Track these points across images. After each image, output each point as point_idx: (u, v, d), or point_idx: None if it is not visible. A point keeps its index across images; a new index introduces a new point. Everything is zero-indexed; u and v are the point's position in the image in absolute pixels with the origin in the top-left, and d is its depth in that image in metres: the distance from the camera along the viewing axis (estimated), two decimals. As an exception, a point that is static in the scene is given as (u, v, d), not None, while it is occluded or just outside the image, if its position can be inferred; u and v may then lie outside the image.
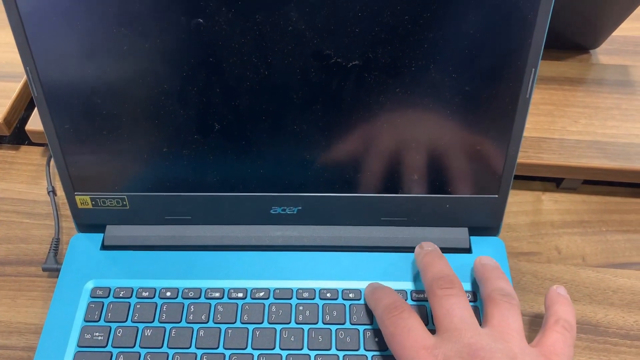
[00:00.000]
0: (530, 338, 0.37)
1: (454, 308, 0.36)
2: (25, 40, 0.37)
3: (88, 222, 0.45)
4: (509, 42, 0.36)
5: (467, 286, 0.42)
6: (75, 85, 0.38)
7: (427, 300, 0.40)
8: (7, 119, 0.52)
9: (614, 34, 0.57)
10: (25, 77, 0.54)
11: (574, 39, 0.58)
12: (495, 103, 0.39)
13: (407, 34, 0.36)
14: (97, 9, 0.36)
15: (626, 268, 0.46)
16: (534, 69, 0.37)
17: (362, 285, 0.42)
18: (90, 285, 0.42)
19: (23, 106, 0.55)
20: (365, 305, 0.41)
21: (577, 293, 0.45)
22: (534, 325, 0.43)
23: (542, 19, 0.35)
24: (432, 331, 0.36)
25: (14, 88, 0.54)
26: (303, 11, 0.35)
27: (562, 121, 0.51)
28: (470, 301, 0.41)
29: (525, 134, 0.47)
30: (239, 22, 0.36)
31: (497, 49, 0.37)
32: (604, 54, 0.59)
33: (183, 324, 0.40)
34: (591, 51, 0.59)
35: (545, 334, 0.37)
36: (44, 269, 0.45)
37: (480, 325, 0.36)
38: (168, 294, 0.42)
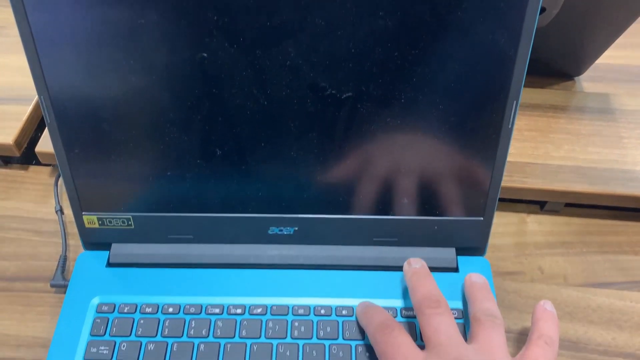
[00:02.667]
0: (515, 354, 0.39)
1: (441, 326, 0.38)
2: (40, 72, 0.39)
3: (94, 241, 0.47)
4: (491, 77, 0.39)
5: (454, 304, 0.44)
6: (86, 113, 0.41)
7: (415, 317, 0.43)
8: (18, 141, 0.54)
9: (598, 61, 0.60)
10: (35, 99, 0.57)
11: (559, 67, 0.61)
12: (479, 132, 0.41)
13: (397, 69, 0.39)
14: (108, 43, 0.38)
15: (605, 287, 0.49)
16: (515, 102, 0.40)
17: (354, 302, 0.44)
18: (96, 301, 0.45)
19: (32, 128, 0.57)
20: (357, 321, 0.43)
21: (558, 311, 0.47)
22: (519, 342, 0.45)
23: (521, 57, 0.38)
24: (421, 347, 0.38)
25: (25, 111, 0.56)
26: (300, 47, 0.38)
27: (545, 147, 0.54)
28: (456, 318, 0.43)
29: (510, 159, 0.50)
30: (240, 56, 0.38)
31: (481, 83, 0.39)
32: (588, 81, 0.62)
33: (184, 338, 0.42)
34: (575, 78, 0.62)
35: (528, 348, 0.39)
36: (52, 285, 0.47)
37: (467, 342, 0.39)
38: (170, 309, 0.44)
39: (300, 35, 0.38)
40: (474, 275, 0.44)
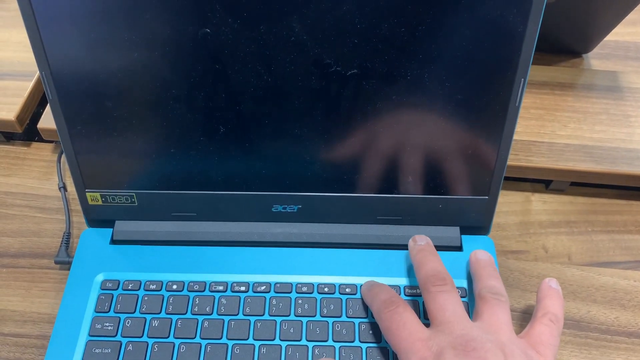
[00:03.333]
0: (519, 332, 0.40)
1: (447, 303, 0.39)
2: (41, 48, 0.38)
3: (98, 218, 0.47)
4: (499, 54, 0.38)
5: (459, 283, 0.44)
6: (88, 89, 0.40)
7: (420, 296, 0.43)
8: (20, 117, 0.54)
9: (607, 38, 0.59)
10: (36, 75, 0.56)
11: (567, 44, 0.60)
12: (486, 110, 0.41)
13: (403, 45, 0.38)
14: (110, 18, 0.37)
15: (609, 267, 0.48)
16: (523, 79, 0.39)
17: (358, 280, 0.44)
18: (100, 277, 0.45)
19: (35, 104, 0.57)
20: (361, 299, 0.43)
21: (562, 290, 0.46)
22: (523, 320, 0.45)
23: (530, 33, 0.37)
24: (427, 324, 0.38)
25: (26, 87, 0.56)
26: (305, 23, 0.37)
27: (551, 125, 0.53)
28: (461, 296, 0.43)
29: (515, 137, 0.49)
30: (244, 32, 0.38)
31: (488, 60, 0.39)
32: (596, 58, 0.61)
33: (188, 315, 0.43)
34: (583, 55, 0.61)
35: (533, 325, 0.39)
36: (56, 262, 0.47)
37: (472, 319, 0.39)
38: (174, 286, 0.44)
39: (304, 10, 0.37)
40: (480, 252, 0.44)
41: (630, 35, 0.63)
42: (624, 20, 0.55)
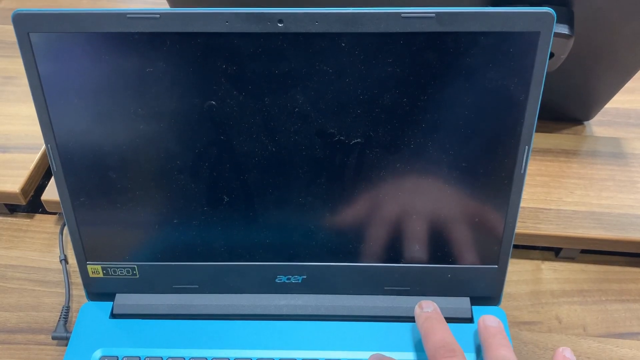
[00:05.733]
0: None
1: (457, 377, 0.37)
2: (48, 120, 0.39)
3: (98, 291, 0.46)
4: (502, 122, 0.39)
5: (469, 357, 0.42)
6: (92, 161, 0.40)
7: (430, 371, 0.41)
8: (24, 189, 0.54)
9: (607, 106, 0.60)
10: (43, 148, 0.57)
11: (568, 111, 0.61)
12: (491, 178, 0.41)
13: (406, 115, 0.38)
14: (116, 91, 0.38)
15: (627, 338, 0.47)
16: (527, 147, 0.39)
17: (365, 355, 0.42)
18: (98, 354, 0.43)
19: (39, 177, 0.57)
20: (369, 375, 0.41)
21: (579, 363, 0.45)
22: (538, 396, 0.43)
23: (532, 102, 0.38)
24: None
25: (32, 159, 0.56)
26: (308, 94, 0.38)
27: (558, 192, 0.53)
28: (472, 370, 0.41)
29: (522, 204, 0.49)
30: (249, 104, 0.38)
31: (492, 129, 0.39)
32: (598, 125, 0.61)
33: (189, 394, 0.41)
34: (585, 123, 0.62)
35: None
36: (54, 337, 0.46)
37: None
38: (174, 363, 0.42)
39: (308, 82, 0.37)
40: (488, 318, 0.42)
41: (630, 102, 0.64)
42: (623, 89, 0.55)
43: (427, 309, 0.42)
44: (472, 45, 0.36)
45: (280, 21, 0.36)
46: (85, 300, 0.47)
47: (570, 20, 0.45)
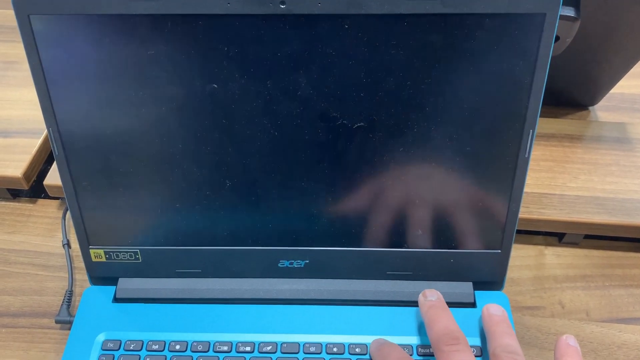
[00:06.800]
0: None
1: (460, 364, 0.37)
2: (50, 104, 0.39)
3: (101, 275, 0.46)
4: (507, 107, 0.38)
5: (472, 341, 0.42)
6: (94, 145, 0.40)
7: (432, 355, 0.41)
8: (27, 174, 0.54)
9: (612, 91, 0.59)
10: (45, 133, 0.57)
11: (573, 97, 0.60)
12: (495, 162, 0.40)
13: (409, 99, 0.38)
14: (117, 76, 0.38)
15: (631, 323, 0.47)
16: (531, 131, 0.39)
17: (368, 339, 0.43)
18: (101, 337, 0.43)
19: (42, 161, 0.57)
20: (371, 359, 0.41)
21: (582, 348, 0.45)
22: (540, 380, 0.43)
23: (537, 85, 0.37)
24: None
25: (35, 144, 0.56)
26: (311, 77, 0.38)
27: (562, 177, 0.53)
28: (476, 355, 0.41)
29: (526, 189, 0.49)
30: (251, 87, 0.38)
31: (496, 113, 0.38)
32: (603, 110, 0.61)
33: (192, 377, 0.41)
34: (590, 108, 0.61)
35: None
36: (57, 321, 0.46)
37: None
38: (177, 347, 0.42)
39: (311, 65, 0.37)
40: (492, 306, 0.42)
41: (636, 87, 0.63)
42: (629, 74, 0.55)
43: (431, 297, 0.42)
44: (477, 26, 0.36)
45: (283, 2, 0.35)
46: (88, 284, 0.47)
47: (577, 2, 0.44)
